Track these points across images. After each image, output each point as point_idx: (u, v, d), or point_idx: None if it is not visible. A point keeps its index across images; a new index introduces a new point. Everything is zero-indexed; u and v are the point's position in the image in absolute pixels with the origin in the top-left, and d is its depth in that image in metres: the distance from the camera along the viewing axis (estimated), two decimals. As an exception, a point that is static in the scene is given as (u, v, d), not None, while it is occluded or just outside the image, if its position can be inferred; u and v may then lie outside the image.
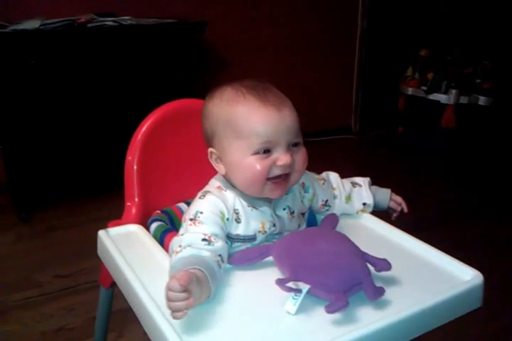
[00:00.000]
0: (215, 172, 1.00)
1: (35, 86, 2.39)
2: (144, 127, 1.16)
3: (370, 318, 0.76)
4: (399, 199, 1.13)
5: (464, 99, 3.31)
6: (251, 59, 3.26)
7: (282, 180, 0.92)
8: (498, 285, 1.82)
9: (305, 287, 0.78)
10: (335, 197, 1.09)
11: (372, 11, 3.68)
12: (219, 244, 0.86)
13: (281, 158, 0.89)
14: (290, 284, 0.79)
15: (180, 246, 0.85)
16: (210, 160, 0.97)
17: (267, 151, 0.89)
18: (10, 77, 2.32)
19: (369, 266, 0.82)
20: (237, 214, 0.94)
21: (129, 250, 0.98)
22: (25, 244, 2.27)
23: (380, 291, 0.78)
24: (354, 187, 1.11)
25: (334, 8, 3.55)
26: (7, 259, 2.15)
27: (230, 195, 0.95)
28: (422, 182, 3.06)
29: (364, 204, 1.10)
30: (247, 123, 0.89)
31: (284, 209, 0.98)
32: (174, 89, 2.66)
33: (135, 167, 1.13)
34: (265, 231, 0.95)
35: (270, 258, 0.89)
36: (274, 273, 0.86)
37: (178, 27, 2.70)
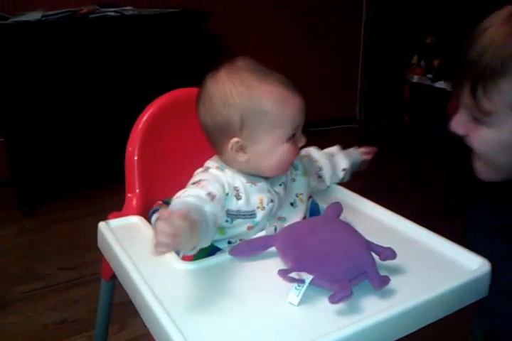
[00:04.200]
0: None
1: (37, 77, 2.38)
2: (144, 117, 1.14)
3: (375, 308, 0.75)
4: (363, 149, 1.22)
5: (470, 87, 3.26)
6: (256, 48, 3.23)
7: None
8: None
9: (308, 277, 0.76)
10: (321, 169, 1.14)
11: (377, -1, 3.64)
12: (218, 205, 0.88)
13: (302, 139, 0.99)
14: (293, 274, 0.77)
15: (184, 192, 0.87)
16: (229, 150, 0.95)
17: (294, 135, 0.96)
18: (12, 68, 2.31)
19: (374, 254, 0.80)
20: (237, 191, 0.95)
21: (129, 242, 0.96)
22: (28, 237, 2.27)
23: (385, 280, 0.77)
24: (332, 156, 1.17)
25: (339, -4, 3.51)
26: (11, 252, 2.15)
27: (228, 174, 0.97)
28: (427, 171, 3.02)
29: (344, 170, 1.16)
30: (283, 113, 0.93)
31: (280, 184, 1.01)
32: (178, 79, 2.64)
33: (136, 158, 1.12)
34: (264, 207, 0.96)
35: (273, 249, 0.88)
36: (276, 264, 0.84)
37: (182, 16, 2.68)
